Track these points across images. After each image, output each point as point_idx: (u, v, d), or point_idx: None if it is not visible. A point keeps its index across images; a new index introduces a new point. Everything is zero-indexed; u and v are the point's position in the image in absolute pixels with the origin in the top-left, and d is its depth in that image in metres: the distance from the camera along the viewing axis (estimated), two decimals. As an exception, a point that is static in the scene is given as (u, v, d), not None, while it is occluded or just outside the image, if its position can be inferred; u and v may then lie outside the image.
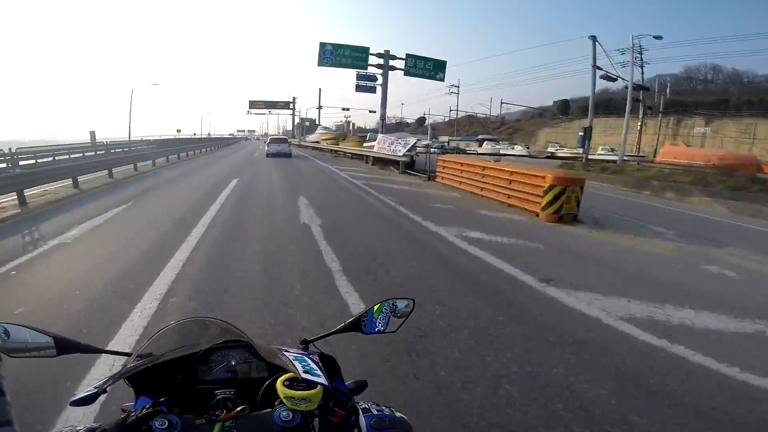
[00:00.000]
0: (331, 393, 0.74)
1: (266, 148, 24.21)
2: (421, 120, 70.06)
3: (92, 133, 20.23)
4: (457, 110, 58.63)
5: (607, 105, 38.86)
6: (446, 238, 5.67)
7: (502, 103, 59.05)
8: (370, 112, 50.72)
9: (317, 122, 56.40)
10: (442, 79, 25.17)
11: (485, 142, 38.04)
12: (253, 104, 58.57)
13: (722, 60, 44.89)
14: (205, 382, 0.83)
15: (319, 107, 51.99)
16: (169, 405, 0.71)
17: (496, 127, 57.55)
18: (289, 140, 30.80)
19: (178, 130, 50.16)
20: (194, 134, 65.15)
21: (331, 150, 28.36)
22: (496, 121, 60.76)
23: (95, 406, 0.58)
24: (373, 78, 24.50)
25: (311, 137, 42.88)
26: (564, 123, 44.90)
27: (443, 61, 24.70)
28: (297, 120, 62.75)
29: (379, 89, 24.32)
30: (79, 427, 0.69)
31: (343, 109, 54.74)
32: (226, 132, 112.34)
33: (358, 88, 24.96)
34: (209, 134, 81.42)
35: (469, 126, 60.98)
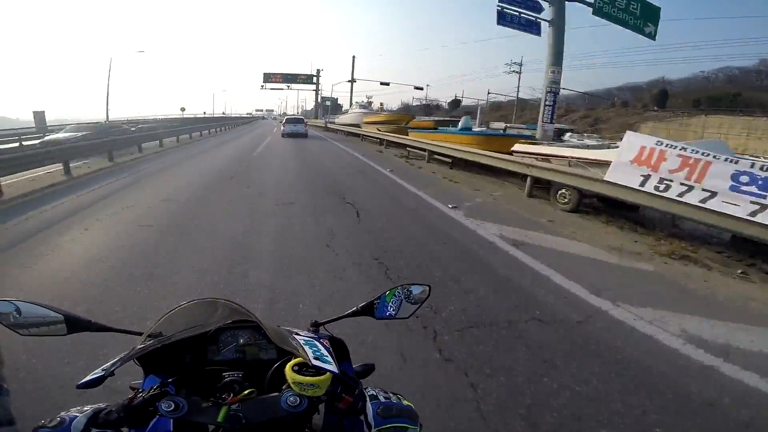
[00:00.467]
0: (340, 378, 0.73)
1: (282, 128, 23.27)
2: (456, 102, 62.26)
3: (38, 114, 18.38)
4: (517, 92, 46.80)
5: (734, 99, 30.21)
6: None
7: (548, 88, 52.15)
8: (416, 88, 44.87)
9: (344, 103, 53.82)
10: (651, 36, 12.24)
11: (567, 134, 32.25)
12: (269, 77, 50.72)
13: None
14: (213, 363, 0.84)
15: (352, 80, 45.15)
16: (176, 386, 0.71)
17: (561, 114, 49.94)
18: (306, 121, 28.23)
19: (182, 109, 43.56)
20: (204, 113, 62.15)
21: (384, 142, 17.75)
22: (560, 107, 54.00)
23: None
24: (536, 6, 12.16)
25: (343, 118, 36.87)
26: (681, 118, 31.89)
27: (656, 7, 12.13)
28: (319, 98, 57.77)
29: (546, 29, 12.03)
30: (86, 408, 0.69)
31: (382, 84, 45.16)
32: (244, 111, 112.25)
33: (503, 19, 11.89)
34: (223, 113, 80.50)
35: (520, 112, 48.85)
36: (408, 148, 14.41)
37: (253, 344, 0.86)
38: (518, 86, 47.94)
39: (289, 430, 0.75)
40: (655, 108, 37.46)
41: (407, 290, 0.97)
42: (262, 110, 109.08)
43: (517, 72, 45.45)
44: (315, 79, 52.43)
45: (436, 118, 27.29)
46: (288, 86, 53.27)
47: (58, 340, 0.82)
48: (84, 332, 0.81)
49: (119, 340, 0.85)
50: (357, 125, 26.51)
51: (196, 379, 0.80)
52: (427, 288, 0.98)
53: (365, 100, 50.31)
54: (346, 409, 0.74)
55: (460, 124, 15.95)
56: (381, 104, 53.98)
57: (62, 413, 0.68)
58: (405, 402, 0.84)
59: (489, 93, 53.39)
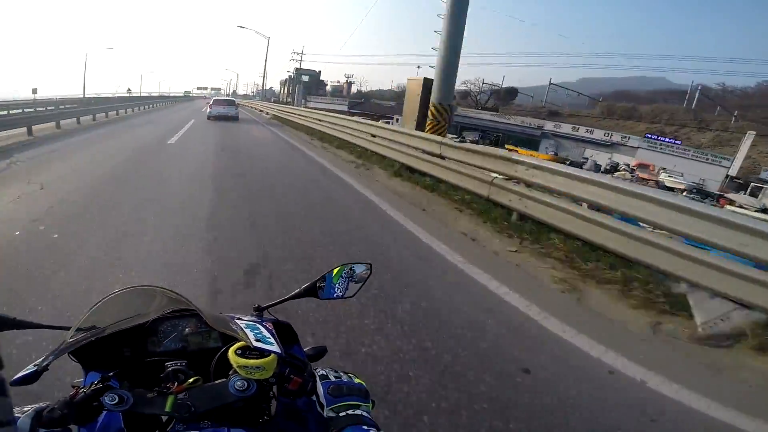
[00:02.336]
0: (286, 360, 0.75)
1: (208, 110, 20.49)
2: (512, 92, 51.77)
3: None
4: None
5: None
6: None
7: (550, 84, 45.60)
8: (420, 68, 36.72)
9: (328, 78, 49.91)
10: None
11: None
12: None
13: None
14: (155, 354, 0.82)
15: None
16: (119, 379, 0.70)
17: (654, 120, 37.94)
18: (237, 103, 24.27)
19: (129, 90, 46.66)
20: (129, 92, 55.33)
21: None
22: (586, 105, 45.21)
23: (44, 383, 0.57)
24: None
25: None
26: None
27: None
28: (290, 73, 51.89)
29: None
30: (26, 408, 0.66)
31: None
32: (182, 90, 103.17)
33: None
34: (158, 93, 74.12)
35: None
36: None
37: (196, 333, 0.84)
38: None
39: (245, 416, 0.77)
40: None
41: (350, 269, 0.98)
42: (206, 88, 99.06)
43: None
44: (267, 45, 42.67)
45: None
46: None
47: None
48: (11, 330, 0.76)
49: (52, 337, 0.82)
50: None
51: (139, 371, 0.79)
52: (369, 266, 1.00)
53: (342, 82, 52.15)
54: (297, 390, 0.76)
55: None
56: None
57: None
58: (356, 380, 0.86)
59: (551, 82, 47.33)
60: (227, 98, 25.30)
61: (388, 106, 43.68)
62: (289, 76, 54.52)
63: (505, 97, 50.48)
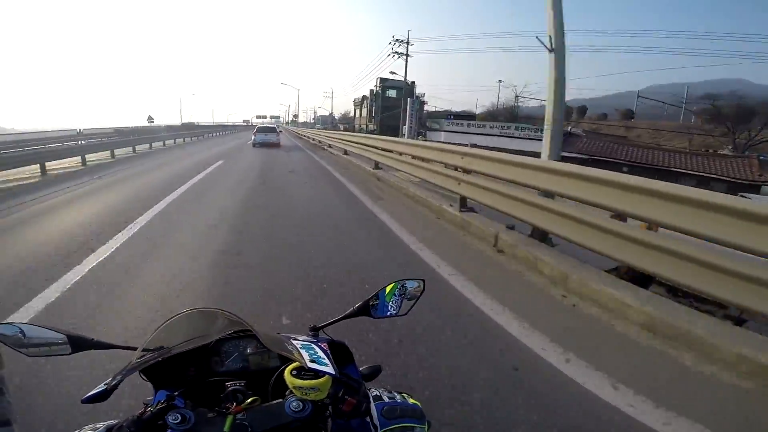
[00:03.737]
0: (341, 381, 0.74)
1: (253, 137, 23.13)
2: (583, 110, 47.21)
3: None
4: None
5: None
6: None
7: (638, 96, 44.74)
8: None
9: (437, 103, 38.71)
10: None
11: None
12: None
13: None
14: (218, 374, 0.86)
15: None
16: (184, 398, 0.73)
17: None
18: (279, 130, 26.72)
19: (150, 119, 37.79)
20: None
21: None
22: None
23: (115, 400, 0.61)
24: None
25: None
26: None
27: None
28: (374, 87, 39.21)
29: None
30: (99, 425, 0.72)
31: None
32: (240, 119, 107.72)
33: None
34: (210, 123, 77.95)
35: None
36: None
37: (256, 353, 0.87)
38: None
39: None
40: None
41: (402, 286, 0.98)
42: (265, 116, 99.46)
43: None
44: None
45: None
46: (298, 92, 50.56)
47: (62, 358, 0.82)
48: (88, 350, 0.83)
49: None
50: None
51: (202, 390, 0.82)
52: (422, 282, 0.99)
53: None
54: (350, 411, 0.75)
55: None
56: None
57: (75, 431, 0.71)
58: (411, 400, 0.85)
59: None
60: (269, 126, 27.89)
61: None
62: (373, 91, 40.99)
63: (577, 116, 45.60)
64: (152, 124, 37.33)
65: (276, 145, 22.36)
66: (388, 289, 0.97)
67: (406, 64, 33.90)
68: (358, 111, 49.94)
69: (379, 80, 39.91)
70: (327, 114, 73.54)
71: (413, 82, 37.69)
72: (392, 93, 38.81)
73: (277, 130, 26.08)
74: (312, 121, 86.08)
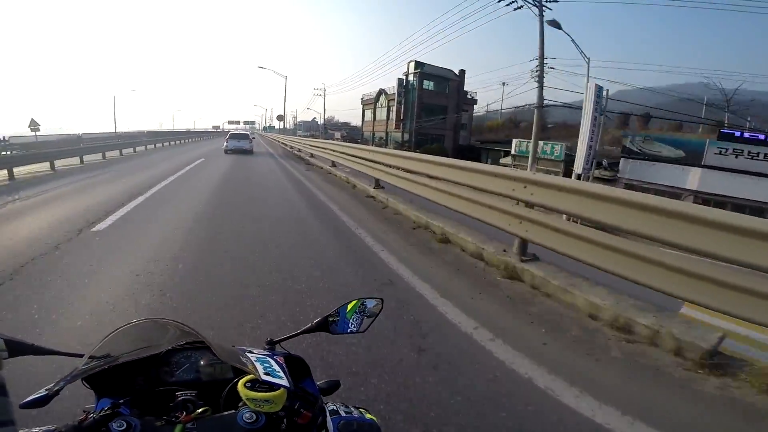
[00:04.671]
0: (297, 394, 0.75)
1: (225, 144, 22.67)
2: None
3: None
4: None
5: None
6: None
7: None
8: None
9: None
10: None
11: None
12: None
13: None
14: (167, 384, 0.84)
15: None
16: (129, 407, 0.71)
17: None
18: (251, 136, 25.70)
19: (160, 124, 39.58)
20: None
21: None
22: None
23: (54, 407, 0.57)
24: None
25: None
26: None
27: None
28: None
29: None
30: (34, 430, 0.69)
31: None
32: (210, 125, 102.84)
33: None
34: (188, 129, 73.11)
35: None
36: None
37: (209, 365, 0.87)
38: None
39: None
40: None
41: (362, 304, 1.00)
42: (238, 122, 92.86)
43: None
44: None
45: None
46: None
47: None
48: (28, 356, 0.80)
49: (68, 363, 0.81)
50: None
51: (150, 399, 0.81)
52: (380, 301, 1.02)
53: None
54: (306, 425, 0.75)
55: None
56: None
57: None
58: (368, 416, 0.86)
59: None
60: (242, 132, 27.19)
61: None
62: (403, 81, 27.47)
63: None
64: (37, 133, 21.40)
65: (249, 152, 21.91)
66: (349, 306, 0.99)
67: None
68: (369, 112, 33.25)
69: (413, 64, 25.86)
70: (311, 119, 63.93)
71: (463, 71, 25.46)
72: (429, 84, 26.55)
73: (250, 136, 25.62)
74: (292, 127, 72.78)
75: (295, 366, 0.88)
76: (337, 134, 45.42)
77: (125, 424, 0.66)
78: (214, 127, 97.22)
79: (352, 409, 0.87)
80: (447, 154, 22.79)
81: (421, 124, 25.15)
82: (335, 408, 0.85)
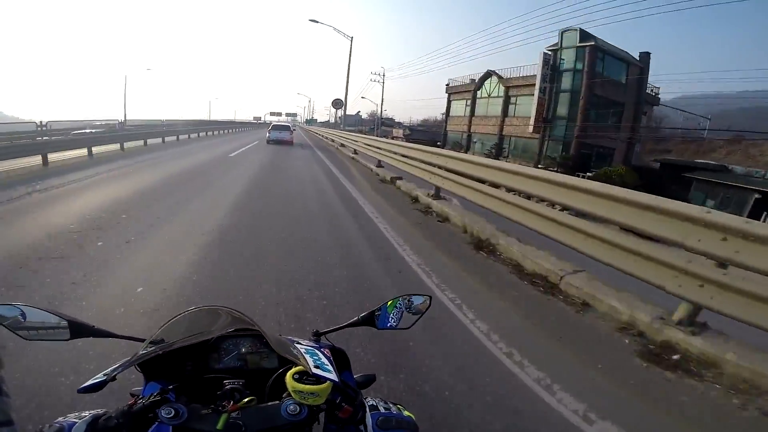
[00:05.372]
0: (340, 388, 0.75)
1: (267, 134, 24.02)
2: None
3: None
4: None
5: None
6: None
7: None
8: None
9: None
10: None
11: None
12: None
13: None
14: (215, 371, 0.86)
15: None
16: (177, 393, 0.73)
17: None
18: (292, 128, 26.12)
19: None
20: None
21: None
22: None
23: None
24: None
25: None
26: None
27: None
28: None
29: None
30: (84, 413, 0.71)
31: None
32: (251, 116, 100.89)
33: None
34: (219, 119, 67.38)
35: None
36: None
37: (255, 352, 0.88)
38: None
39: None
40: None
41: (408, 300, 0.99)
42: (280, 113, 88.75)
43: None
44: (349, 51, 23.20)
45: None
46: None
47: (62, 344, 0.82)
48: (88, 338, 0.83)
49: (123, 347, 0.86)
50: None
51: (197, 386, 0.82)
52: (428, 298, 1.00)
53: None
54: (346, 419, 0.75)
55: None
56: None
57: (60, 419, 0.70)
58: (405, 413, 0.85)
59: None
60: (284, 124, 28.42)
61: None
62: (550, 60, 19.77)
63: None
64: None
65: (289, 143, 22.93)
66: (389, 302, 0.99)
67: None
68: (460, 105, 24.86)
69: (575, 34, 18.09)
70: (355, 113, 55.70)
71: (647, 54, 18.67)
72: (600, 67, 18.21)
73: (291, 128, 26.84)
74: (337, 121, 62.85)
75: (337, 358, 0.88)
76: (396, 131, 38.13)
77: (173, 411, 0.67)
78: (255, 118, 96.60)
79: (391, 405, 0.87)
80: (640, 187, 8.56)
81: (587, 130, 16.39)
82: (374, 403, 0.85)
